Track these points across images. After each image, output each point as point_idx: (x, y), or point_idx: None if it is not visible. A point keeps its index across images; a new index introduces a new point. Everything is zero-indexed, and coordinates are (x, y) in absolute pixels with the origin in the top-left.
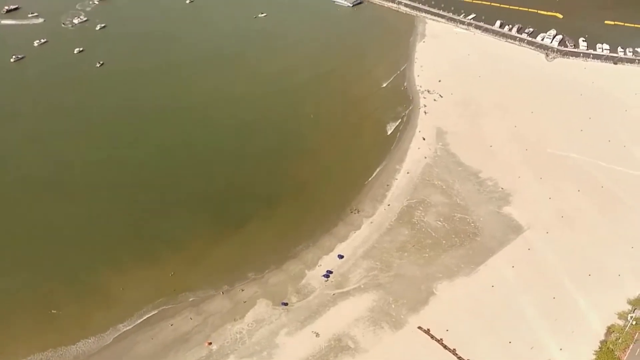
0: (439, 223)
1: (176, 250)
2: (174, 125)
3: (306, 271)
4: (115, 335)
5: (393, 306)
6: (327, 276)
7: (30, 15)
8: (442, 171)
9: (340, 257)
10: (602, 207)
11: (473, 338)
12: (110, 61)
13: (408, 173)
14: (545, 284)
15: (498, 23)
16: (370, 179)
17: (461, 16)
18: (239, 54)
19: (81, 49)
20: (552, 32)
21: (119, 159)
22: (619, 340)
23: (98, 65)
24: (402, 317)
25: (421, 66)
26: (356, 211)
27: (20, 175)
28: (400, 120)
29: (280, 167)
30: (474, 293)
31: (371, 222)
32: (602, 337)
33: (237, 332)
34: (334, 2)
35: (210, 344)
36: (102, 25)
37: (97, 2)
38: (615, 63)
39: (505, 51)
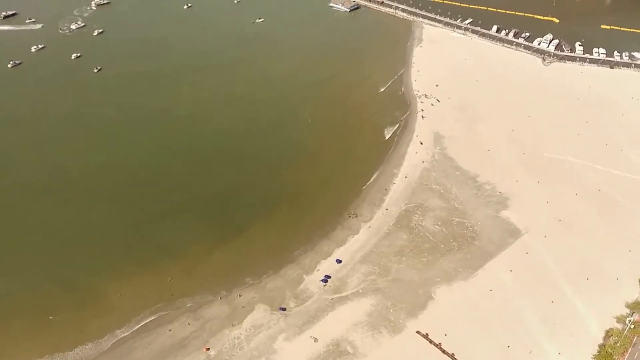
0: (437, 227)
1: (174, 256)
2: (172, 130)
3: (304, 276)
4: (113, 342)
5: (391, 311)
6: (325, 281)
7: (27, 21)
8: (440, 175)
9: (339, 261)
10: (599, 211)
11: (471, 342)
12: (108, 66)
13: (406, 177)
14: (544, 288)
15: (495, 28)
16: (368, 183)
17: (458, 21)
18: (236, 59)
19: (79, 54)
20: (549, 36)
21: (117, 164)
22: (618, 344)
23: (96, 70)
24: (400, 321)
25: (418, 71)
26: (354, 215)
27: (18, 180)
28: (397, 124)
29: (278, 172)
30: (472, 297)
31: (369, 227)
32: (601, 341)
33: (235, 338)
34: (331, 7)
35: (208, 349)
36: (100, 30)
37: (94, 8)
38: (611, 67)
39: (502, 56)
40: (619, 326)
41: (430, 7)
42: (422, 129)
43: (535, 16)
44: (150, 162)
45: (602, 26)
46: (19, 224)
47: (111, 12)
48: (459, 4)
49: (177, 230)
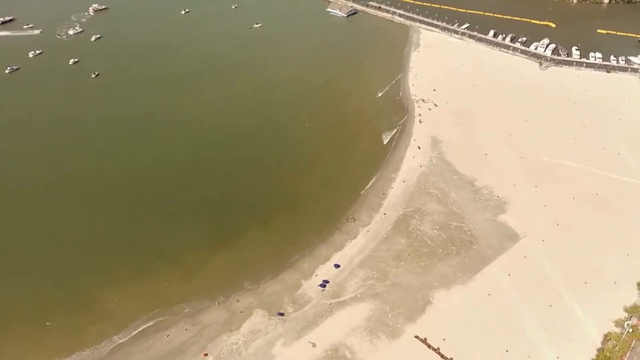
0: (435, 231)
1: (171, 261)
2: (169, 135)
3: (302, 281)
4: (111, 347)
5: (390, 315)
6: (323, 286)
7: (25, 27)
8: (438, 180)
9: (337, 266)
10: (597, 215)
11: (470, 347)
12: (106, 72)
13: (404, 182)
14: (542, 292)
15: (492, 32)
16: (366, 187)
17: (455, 26)
18: (233, 64)
19: (76, 59)
20: (546, 41)
21: (114, 169)
22: (616, 348)
23: (93, 75)
24: (398, 326)
25: (416, 75)
26: (352, 220)
27: (14, 186)
28: (395, 129)
29: (276, 176)
30: (470, 302)
31: (367, 231)
32: (599, 345)
33: (233, 343)
34: (329, 12)
35: (206, 355)
36: (98, 36)
37: (92, 14)
38: (608, 71)
39: (499, 60)
40: (618, 330)
41: (427, 12)
42: (419, 134)
43: (532, 21)
44: (147, 167)
45: (598, 31)
46: (16, 229)
47: (109, 18)
48: (455, 8)
49: (174, 235)
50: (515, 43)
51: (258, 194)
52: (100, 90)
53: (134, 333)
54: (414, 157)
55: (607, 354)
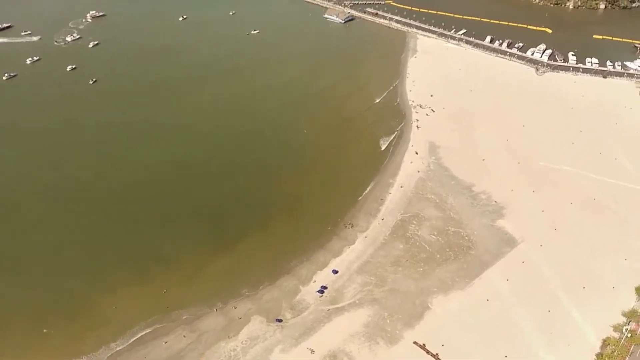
0: (433, 237)
1: (169, 267)
2: (167, 141)
3: (300, 287)
4: (108, 355)
5: (388, 321)
6: (321, 292)
7: (23, 33)
8: (436, 185)
9: (335, 272)
10: (595, 219)
11: (469, 352)
12: (104, 78)
13: (402, 187)
14: (540, 297)
15: (488, 38)
16: (364, 193)
17: (452, 32)
18: (231, 70)
19: (74, 66)
20: (542, 46)
21: (112, 175)
22: (615, 353)
23: (91, 82)
24: (397, 332)
25: (413, 81)
26: (350, 226)
27: (11, 191)
28: (393, 135)
29: (273, 182)
30: (469, 307)
31: (365, 237)
32: (598, 350)
33: (231, 350)
34: (326, 18)
35: None
36: (95, 42)
37: (90, 20)
38: (604, 77)
39: (496, 66)
40: (616, 335)
41: (424, 18)
42: (417, 139)
43: (529, 26)
44: (145, 173)
45: (594, 36)
46: (12, 234)
47: (107, 25)
48: (452, 14)
49: (172, 240)
50: (512, 49)
51: (256, 199)
52: (98, 96)
53: (132, 340)
54: (411, 162)
55: (606, 359)
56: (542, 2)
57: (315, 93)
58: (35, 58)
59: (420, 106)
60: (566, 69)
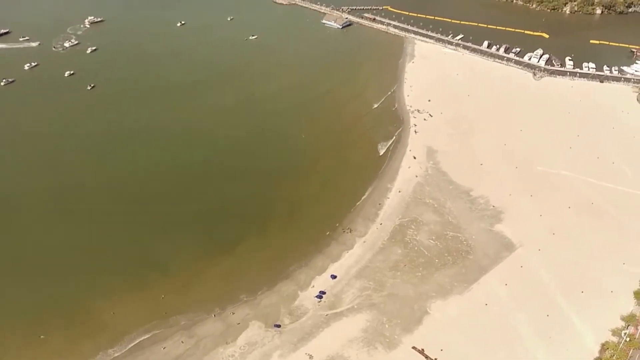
0: (432, 241)
1: (167, 273)
2: (164, 147)
3: (299, 292)
4: None
5: (387, 326)
6: (320, 297)
7: (21, 39)
8: (434, 190)
9: (333, 277)
10: (593, 224)
11: (468, 357)
12: (101, 84)
13: (400, 192)
14: (539, 302)
15: (486, 43)
16: (362, 198)
17: (449, 37)
18: (229, 75)
19: (72, 72)
20: (539, 51)
21: (109, 181)
22: (614, 358)
23: (89, 87)
24: (396, 337)
25: (411, 86)
26: (349, 230)
27: (8, 197)
28: (391, 140)
29: (272, 187)
30: (467, 312)
31: (364, 242)
32: (597, 354)
33: (229, 356)
34: (324, 24)
35: None
36: (93, 48)
37: (88, 26)
38: (601, 81)
39: (493, 70)
40: (615, 339)
41: (421, 24)
42: (415, 144)
43: (525, 32)
44: (143, 178)
45: (591, 41)
46: (9, 240)
47: (105, 30)
48: (450, 20)
49: (170, 246)
50: (509, 53)
51: (254, 204)
52: (96, 101)
53: (130, 346)
54: (409, 167)
55: None
56: (539, 8)
57: (314, 98)
58: (33, 64)
59: (418, 111)
60: (563, 73)
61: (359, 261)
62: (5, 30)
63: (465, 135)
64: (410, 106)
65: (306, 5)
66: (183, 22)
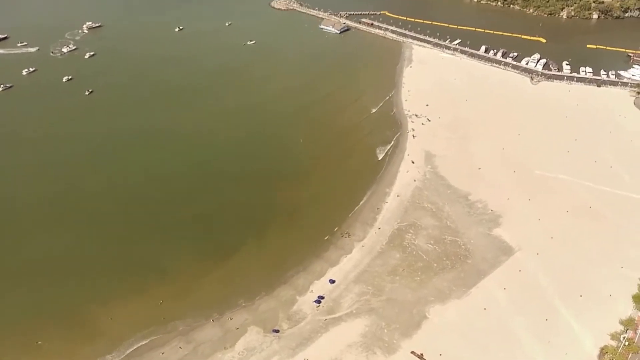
0: (430, 246)
1: (165, 278)
2: (161, 152)
3: (297, 297)
4: None
5: (385, 331)
6: (318, 302)
7: (19, 45)
8: (432, 194)
9: (332, 281)
10: (591, 228)
11: None
12: (99, 89)
13: (398, 196)
14: (537, 306)
15: (483, 48)
16: (360, 202)
17: (447, 42)
18: (227, 80)
19: (70, 77)
20: (536, 56)
21: (107, 187)
22: None
23: (87, 93)
24: (394, 341)
25: (409, 91)
26: (347, 235)
27: (5, 202)
28: (389, 144)
29: (270, 192)
30: (466, 316)
31: (362, 246)
32: (596, 359)
33: None
34: (322, 29)
35: None
36: (92, 53)
37: (86, 31)
38: (598, 85)
39: (490, 75)
40: (614, 343)
41: (419, 29)
42: (413, 148)
43: (523, 36)
44: (141, 183)
45: (588, 45)
46: (6, 245)
47: (103, 35)
48: (447, 25)
49: (168, 252)
50: (506, 58)
51: (252, 209)
52: (95, 106)
53: (128, 352)
54: (407, 171)
55: None
56: (536, 12)
57: (312, 103)
58: (31, 69)
59: (416, 115)
60: (560, 78)
61: (357, 266)
62: (3, 36)
63: (463, 140)
64: (408, 111)
65: (304, 11)
66: (181, 28)
